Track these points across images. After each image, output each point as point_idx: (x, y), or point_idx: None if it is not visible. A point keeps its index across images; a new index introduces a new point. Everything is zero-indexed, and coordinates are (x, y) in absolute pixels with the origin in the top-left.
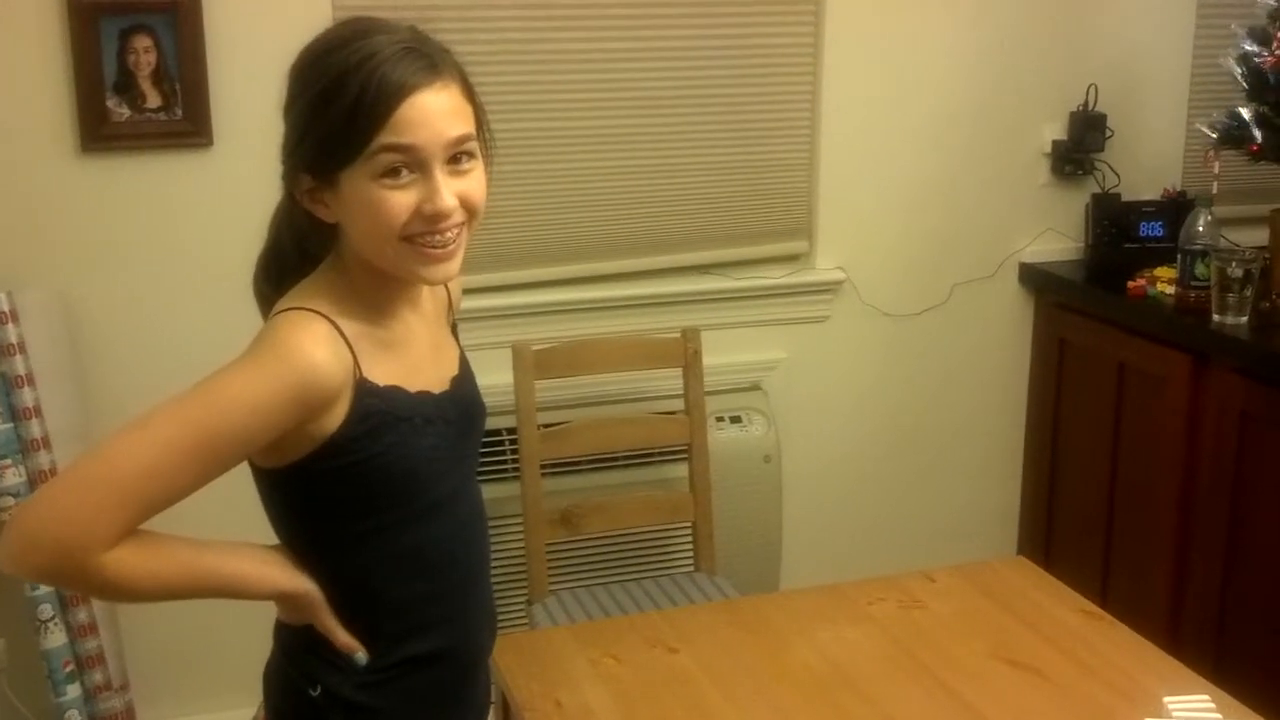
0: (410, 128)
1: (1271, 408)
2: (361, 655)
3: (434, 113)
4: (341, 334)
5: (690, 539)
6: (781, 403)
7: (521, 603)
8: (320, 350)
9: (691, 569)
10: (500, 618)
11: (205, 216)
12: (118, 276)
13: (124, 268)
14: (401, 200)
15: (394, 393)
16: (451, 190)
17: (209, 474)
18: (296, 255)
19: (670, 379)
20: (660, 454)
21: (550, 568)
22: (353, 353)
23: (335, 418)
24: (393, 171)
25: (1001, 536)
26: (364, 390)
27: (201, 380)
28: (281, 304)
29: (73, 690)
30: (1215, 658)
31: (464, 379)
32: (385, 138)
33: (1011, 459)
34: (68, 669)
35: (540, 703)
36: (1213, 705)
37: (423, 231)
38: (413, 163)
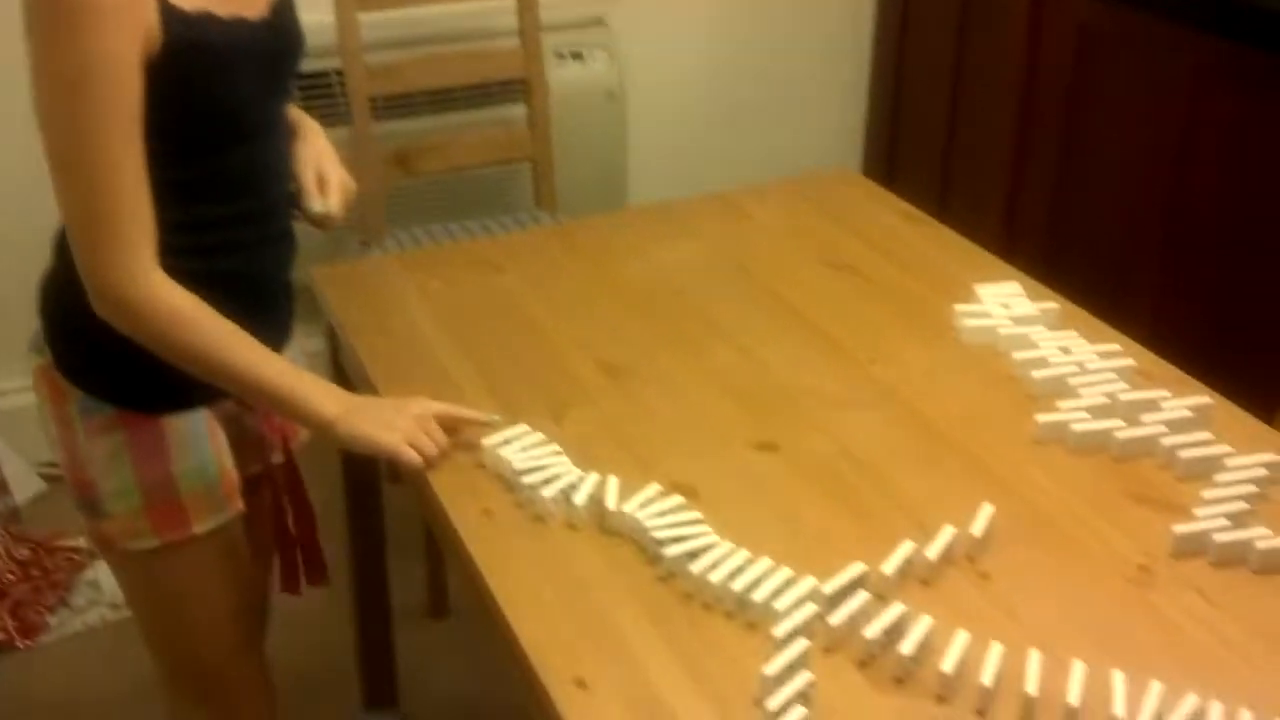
0: None
1: (1109, 22)
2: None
3: None
4: None
5: (531, 178)
6: (625, 37)
7: (357, 246)
8: None
9: (533, 207)
10: (335, 261)
11: None
12: None
13: None
14: None
15: (205, 20)
16: None
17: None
18: None
19: (506, 16)
20: (498, 93)
21: (389, 213)
22: None
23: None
24: None
25: (848, 159)
26: (171, 17)
27: (38, 74)
28: None
29: None
30: (1047, 263)
31: (284, 6)
32: None
33: (858, 81)
34: None
35: (366, 328)
36: (1019, 289)
37: None
38: None
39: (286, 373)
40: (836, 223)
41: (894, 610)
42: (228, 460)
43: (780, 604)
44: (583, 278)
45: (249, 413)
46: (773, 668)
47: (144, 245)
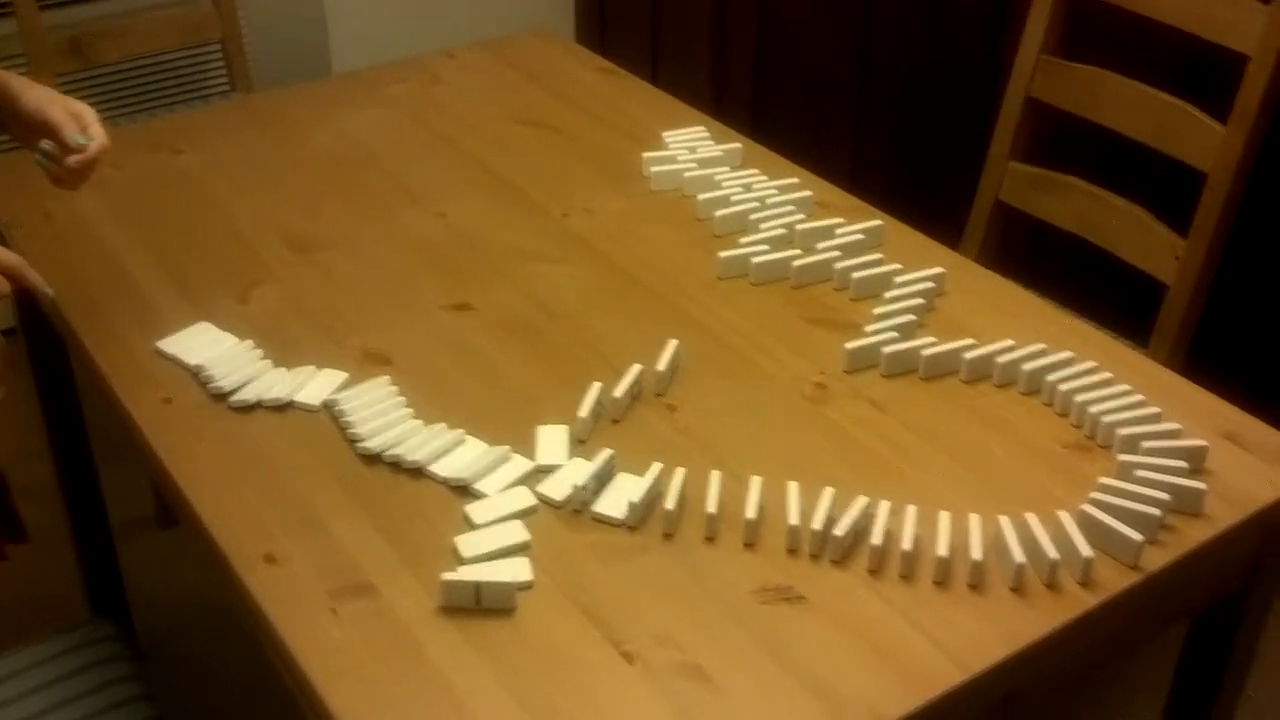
0: None
1: None
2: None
3: None
4: None
5: (222, 60)
6: None
7: None
8: None
9: (228, 91)
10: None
11: None
12: None
13: None
14: None
15: None
16: None
17: None
18: None
19: None
20: None
21: None
22: None
23: None
24: None
25: (561, 30)
26: None
27: None
28: None
29: None
30: (754, 124)
31: None
32: None
33: None
34: None
35: (28, 216)
36: (706, 133)
37: None
38: None
39: None
40: (531, 81)
41: (601, 455)
42: None
43: (483, 483)
44: (268, 152)
45: None
46: (477, 519)
47: None
